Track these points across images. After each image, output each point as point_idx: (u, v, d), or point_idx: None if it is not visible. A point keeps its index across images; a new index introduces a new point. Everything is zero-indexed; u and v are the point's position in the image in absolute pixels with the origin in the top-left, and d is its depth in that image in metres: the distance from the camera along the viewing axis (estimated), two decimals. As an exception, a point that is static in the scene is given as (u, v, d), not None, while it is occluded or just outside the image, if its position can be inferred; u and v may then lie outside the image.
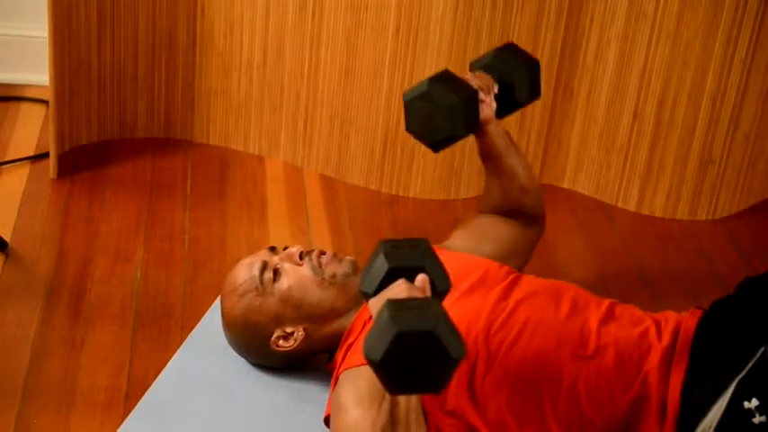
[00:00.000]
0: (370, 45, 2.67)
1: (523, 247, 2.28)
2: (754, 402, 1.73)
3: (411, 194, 2.79)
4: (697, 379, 1.79)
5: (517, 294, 1.94)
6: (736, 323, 1.86)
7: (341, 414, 1.76)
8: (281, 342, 2.04)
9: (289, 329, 2.03)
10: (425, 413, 1.80)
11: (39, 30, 2.86)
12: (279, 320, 2.03)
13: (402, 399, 1.66)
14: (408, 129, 2.13)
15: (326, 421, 1.90)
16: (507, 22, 2.63)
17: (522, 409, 1.82)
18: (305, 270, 2.04)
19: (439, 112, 2.07)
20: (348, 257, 2.08)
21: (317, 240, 2.57)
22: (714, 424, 1.75)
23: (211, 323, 2.21)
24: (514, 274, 2.02)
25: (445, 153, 2.48)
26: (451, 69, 2.63)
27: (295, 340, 2.03)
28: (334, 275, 2.04)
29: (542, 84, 2.68)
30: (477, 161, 2.29)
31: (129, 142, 2.90)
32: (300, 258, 2.06)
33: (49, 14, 2.58)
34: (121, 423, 2.01)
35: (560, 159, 2.83)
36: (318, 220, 2.66)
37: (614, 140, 2.75)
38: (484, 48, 2.64)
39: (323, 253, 2.07)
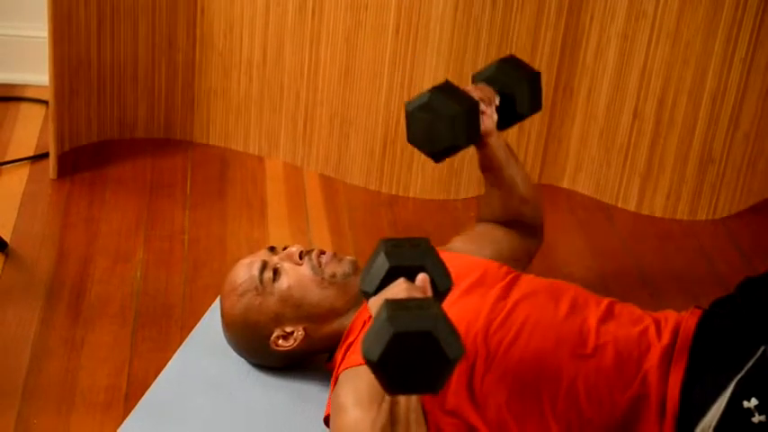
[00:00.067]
0: (369, 45, 2.67)
1: (522, 256, 2.29)
2: (754, 402, 1.73)
3: (411, 194, 2.79)
4: (696, 378, 1.79)
5: (516, 294, 1.94)
6: (736, 323, 1.86)
7: (340, 414, 1.76)
8: (280, 342, 2.04)
9: (288, 329, 2.03)
10: (425, 413, 1.80)
11: (38, 30, 2.86)
12: (278, 320, 2.03)
13: (402, 399, 1.66)
14: (410, 139, 2.15)
15: (326, 421, 1.90)
16: (507, 20, 2.63)
17: (522, 408, 1.82)
18: (305, 270, 2.04)
19: (440, 122, 2.08)
20: (348, 257, 2.08)
21: (317, 240, 2.57)
22: (713, 423, 1.75)
23: (211, 323, 2.21)
24: (514, 274, 2.02)
25: (445, 153, 2.48)
26: (451, 69, 2.65)
27: (295, 340, 2.03)
28: (333, 275, 2.04)
29: (542, 83, 2.69)
30: (477, 161, 2.29)
31: (128, 142, 2.90)
32: (300, 258, 2.06)
33: (49, 14, 2.58)
34: (121, 423, 2.01)
35: (560, 158, 2.83)
36: (318, 220, 2.66)
37: (614, 139, 2.75)
38: (484, 47, 2.64)
39: (323, 252, 2.07)
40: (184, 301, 2.34)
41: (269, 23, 2.75)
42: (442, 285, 1.70)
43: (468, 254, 2.15)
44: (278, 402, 2.07)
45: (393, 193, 2.79)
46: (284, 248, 2.09)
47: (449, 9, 2.60)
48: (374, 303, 1.67)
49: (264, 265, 2.04)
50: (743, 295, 1.91)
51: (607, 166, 2.79)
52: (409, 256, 1.70)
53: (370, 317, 1.69)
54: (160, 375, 2.12)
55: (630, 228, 2.74)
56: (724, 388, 1.76)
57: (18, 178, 2.72)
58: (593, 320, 1.89)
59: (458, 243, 2.26)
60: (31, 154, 2.81)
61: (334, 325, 2.03)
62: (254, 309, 2.03)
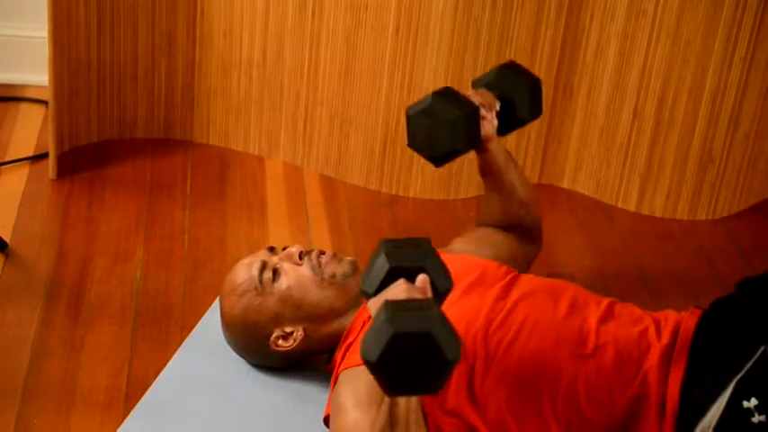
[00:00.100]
0: (369, 44, 2.67)
1: (520, 260, 2.29)
2: (754, 402, 1.73)
3: (411, 194, 2.79)
4: (696, 378, 1.79)
5: (516, 293, 1.94)
6: (736, 323, 1.86)
7: (340, 414, 1.76)
8: (280, 342, 2.04)
9: (288, 329, 2.03)
10: (425, 413, 1.80)
11: (38, 30, 2.86)
12: (278, 320, 2.03)
13: (401, 400, 1.66)
14: (410, 143, 2.16)
15: (326, 421, 1.90)
16: (507, 20, 2.63)
17: (522, 408, 1.82)
18: (304, 270, 2.04)
19: (440, 127, 2.09)
20: (347, 258, 2.08)
21: (317, 240, 2.57)
22: (713, 423, 1.75)
23: (211, 323, 2.21)
24: (513, 274, 2.02)
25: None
26: (451, 68, 2.65)
27: (294, 340, 2.03)
28: (333, 275, 2.04)
29: (542, 82, 2.69)
30: (477, 164, 2.30)
31: (128, 142, 2.90)
32: (300, 258, 2.06)
33: (49, 14, 2.58)
34: (121, 423, 2.01)
35: (560, 158, 2.83)
36: (318, 220, 2.66)
37: (614, 139, 2.75)
38: (484, 47, 2.64)
39: (322, 253, 2.07)
40: (184, 301, 2.34)
41: (269, 23, 2.75)
42: (441, 286, 1.70)
43: (468, 254, 2.15)
44: (277, 403, 2.07)
45: (393, 193, 2.79)
46: (284, 249, 2.09)
47: (449, 9, 2.59)
48: (374, 304, 1.67)
49: (264, 266, 2.04)
50: (742, 295, 1.91)
51: (607, 166, 2.79)
52: (410, 256, 1.70)
53: (370, 317, 1.69)
54: (160, 375, 2.12)
55: (630, 228, 2.73)
56: (724, 388, 1.76)
57: (18, 178, 2.72)
58: (592, 320, 1.89)
59: (458, 245, 2.27)
60: (31, 154, 2.81)
61: (334, 325, 2.03)
62: (253, 309, 2.03)
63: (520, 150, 2.77)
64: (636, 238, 2.70)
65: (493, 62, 2.66)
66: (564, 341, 1.85)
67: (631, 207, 2.79)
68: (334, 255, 2.08)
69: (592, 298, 1.96)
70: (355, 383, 1.76)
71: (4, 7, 3.08)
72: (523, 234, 2.31)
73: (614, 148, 2.76)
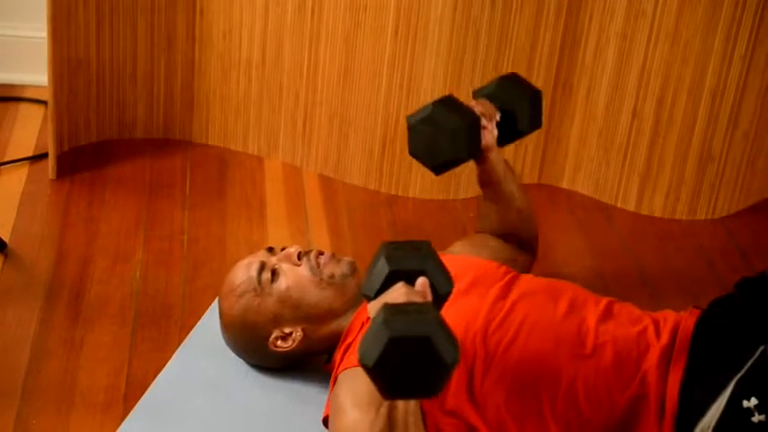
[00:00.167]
0: (369, 45, 2.67)
1: (518, 266, 2.29)
2: (753, 401, 1.73)
3: (410, 194, 2.79)
4: (696, 378, 1.79)
5: (515, 294, 1.94)
6: (735, 322, 1.86)
7: (339, 415, 1.76)
8: (279, 342, 2.04)
9: (287, 330, 2.03)
10: (425, 413, 1.80)
11: (37, 30, 2.86)
12: (277, 321, 2.03)
13: (400, 402, 1.66)
14: (411, 151, 2.17)
15: (325, 422, 1.90)
16: (506, 21, 2.63)
17: (521, 408, 1.82)
18: (303, 270, 2.04)
19: (442, 135, 2.11)
20: (346, 258, 2.08)
21: (316, 240, 2.57)
22: (713, 423, 1.75)
23: (210, 323, 2.21)
24: (512, 274, 2.02)
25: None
26: (450, 69, 2.65)
27: (293, 341, 2.03)
28: (332, 276, 2.04)
29: (542, 82, 2.70)
30: (476, 171, 2.31)
31: (128, 142, 2.90)
32: (299, 259, 2.06)
33: (48, 15, 2.58)
34: (121, 423, 2.01)
35: (559, 158, 2.83)
36: (317, 221, 2.66)
37: (613, 139, 2.75)
38: (483, 48, 2.64)
39: (321, 253, 2.07)
40: (184, 302, 2.34)
41: (268, 24, 2.75)
42: (442, 289, 1.70)
43: (467, 255, 2.16)
44: (277, 403, 2.07)
45: (392, 193, 2.79)
46: (282, 249, 2.09)
47: (448, 10, 2.59)
48: (373, 307, 1.67)
49: (263, 266, 2.04)
50: (741, 295, 1.91)
51: (606, 166, 2.79)
52: (410, 259, 1.70)
53: (368, 318, 1.69)
54: (159, 376, 2.12)
55: (630, 227, 2.73)
56: (723, 387, 1.76)
57: (17, 178, 2.72)
58: (591, 320, 1.89)
59: (457, 247, 2.28)
60: (31, 154, 2.81)
61: (333, 326, 2.03)
62: (252, 310, 2.03)
63: (519, 150, 2.77)
64: (635, 237, 2.70)
65: (492, 63, 2.66)
66: (563, 341, 1.85)
67: (631, 207, 2.79)
68: (333, 255, 2.08)
69: (591, 298, 1.96)
70: (354, 384, 1.76)
71: (4, 7, 3.08)
72: (520, 243, 2.33)
73: (613, 148, 2.76)
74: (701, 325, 1.87)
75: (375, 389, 1.59)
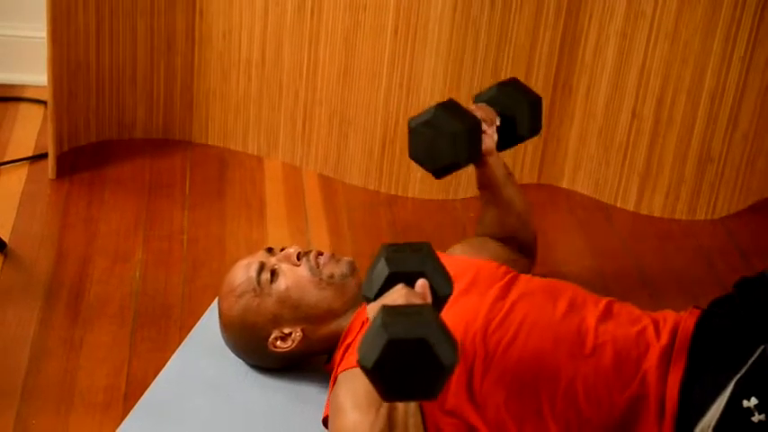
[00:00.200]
0: (368, 45, 2.67)
1: (517, 269, 2.30)
2: (753, 401, 1.73)
3: (410, 194, 2.79)
4: (696, 378, 1.79)
5: (515, 294, 1.94)
6: (735, 322, 1.86)
7: (339, 416, 1.76)
8: (278, 343, 2.04)
9: (286, 330, 2.03)
10: (424, 414, 1.80)
11: (37, 30, 2.86)
12: (276, 321, 2.02)
13: (400, 404, 1.66)
14: (411, 155, 2.19)
15: (325, 422, 1.90)
16: (506, 20, 2.63)
17: (521, 408, 1.82)
18: (302, 271, 2.04)
19: (442, 139, 2.13)
20: (346, 258, 2.08)
21: (316, 240, 2.57)
22: (713, 423, 1.75)
23: (210, 323, 2.21)
24: (512, 274, 2.02)
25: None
26: (450, 69, 2.65)
27: (293, 341, 2.03)
28: (331, 276, 2.04)
29: (541, 81, 2.70)
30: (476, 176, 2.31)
31: (127, 143, 2.90)
32: (298, 259, 2.06)
33: (48, 15, 2.58)
34: (120, 423, 2.01)
35: (559, 158, 2.83)
36: (317, 221, 2.66)
37: (613, 139, 2.75)
38: (483, 47, 2.64)
39: (320, 253, 2.07)
40: (183, 302, 2.34)
41: (268, 24, 2.75)
42: (441, 291, 1.71)
43: (467, 255, 2.16)
44: (276, 403, 2.07)
45: (392, 193, 2.79)
46: (282, 249, 2.09)
47: (447, 9, 2.59)
48: (372, 309, 1.67)
49: (262, 267, 2.04)
50: (741, 295, 1.91)
51: (606, 166, 2.79)
52: (410, 261, 1.71)
53: (368, 319, 1.69)
54: (159, 375, 2.12)
55: (630, 227, 2.73)
56: (723, 387, 1.76)
57: (17, 178, 2.72)
58: (591, 320, 1.89)
59: (456, 250, 2.29)
60: (30, 154, 2.81)
61: (332, 326, 2.03)
62: (251, 310, 2.03)
63: (519, 150, 2.77)
64: (635, 237, 2.70)
65: (492, 63, 2.67)
66: (562, 341, 1.85)
67: (630, 207, 2.79)
68: (333, 255, 2.08)
69: (590, 298, 1.96)
70: (354, 385, 1.76)
71: (4, 7, 3.08)
72: (519, 247, 2.33)
73: (613, 147, 2.76)
74: (700, 325, 1.87)
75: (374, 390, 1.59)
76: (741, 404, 1.73)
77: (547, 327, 1.87)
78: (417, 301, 1.64)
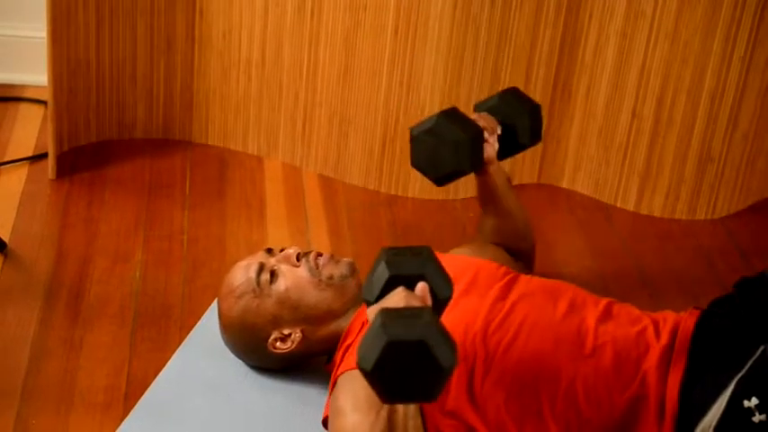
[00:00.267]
0: (368, 44, 2.67)
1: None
2: (754, 401, 1.73)
3: (410, 194, 2.79)
4: (696, 378, 1.79)
5: (515, 294, 1.94)
6: (735, 322, 1.86)
7: (339, 418, 1.76)
8: (278, 344, 2.03)
9: (286, 331, 2.03)
10: (424, 415, 1.80)
11: (37, 30, 2.86)
12: (276, 322, 2.02)
13: (400, 405, 1.66)
14: (413, 163, 2.20)
15: (324, 423, 1.90)
16: (506, 19, 2.63)
17: (521, 409, 1.82)
18: (302, 271, 2.04)
19: (444, 147, 2.14)
20: (345, 259, 2.08)
21: (316, 240, 2.57)
22: (714, 423, 1.75)
23: (210, 324, 2.21)
24: (512, 274, 2.02)
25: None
26: (450, 68, 2.65)
27: (292, 342, 2.03)
28: (331, 277, 2.04)
29: (541, 80, 2.70)
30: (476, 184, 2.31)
31: (127, 143, 2.90)
32: (297, 260, 2.06)
33: (48, 15, 2.58)
34: (120, 423, 2.01)
35: (559, 158, 2.83)
36: (317, 221, 2.66)
37: (613, 139, 2.75)
38: (483, 46, 2.64)
39: (320, 254, 2.07)
40: (183, 302, 2.34)
41: (268, 23, 2.75)
42: (441, 294, 1.71)
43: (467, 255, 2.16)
44: (276, 404, 2.07)
45: (392, 193, 2.79)
46: (281, 250, 2.09)
47: (447, 8, 2.59)
48: (372, 312, 1.67)
49: (261, 267, 2.04)
50: (741, 295, 1.91)
51: (606, 166, 2.79)
52: (410, 264, 1.71)
53: (367, 321, 1.69)
54: (159, 376, 2.12)
55: (630, 227, 2.73)
56: (724, 387, 1.76)
57: (17, 178, 2.72)
58: (591, 321, 1.89)
59: (456, 251, 2.28)
60: (30, 154, 2.81)
61: (332, 327, 2.03)
62: (251, 311, 2.03)
63: (519, 150, 2.77)
64: (635, 237, 2.70)
65: (492, 61, 2.66)
66: (563, 342, 1.85)
67: (630, 207, 2.79)
68: (332, 256, 2.08)
69: (590, 298, 1.96)
70: (354, 387, 1.76)
71: (4, 7, 3.08)
72: (518, 255, 2.34)
73: (613, 147, 2.76)
74: (700, 325, 1.87)
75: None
76: (742, 404, 1.73)
77: (547, 327, 1.87)
78: (417, 303, 1.64)
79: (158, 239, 2.54)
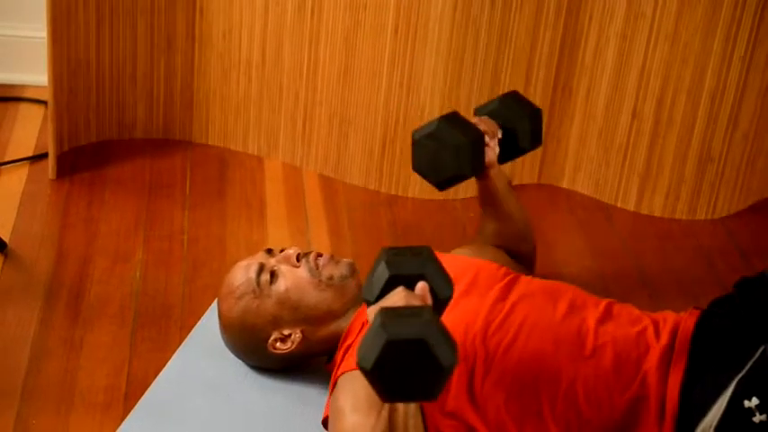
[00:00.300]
0: (368, 44, 2.67)
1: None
2: (755, 401, 1.73)
3: (410, 194, 2.79)
4: (696, 379, 1.79)
5: (515, 295, 1.94)
6: (735, 322, 1.86)
7: (339, 418, 1.76)
8: (278, 344, 2.03)
9: (286, 332, 2.03)
10: (425, 415, 1.80)
11: (37, 30, 2.86)
12: (276, 323, 2.02)
13: (400, 405, 1.66)
14: (415, 167, 2.20)
15: (325, 423, 1.90)
16: (506, 20, 2.63)
17: (521, 409, 1.82)
18: (302, 272, 2.04)
19: (446, 151, 2.14)
20: (345, 259, 2.08)
21: (316, 240, 2.57)
22: (714, 423, 1.75)
23: (210, 324, 2.21)
24: (512, 275, 2.02)
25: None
26: (450, 68, 2.65)
27: (292, 342, 2.03)
28: (331, 277, 2.04)
29: (541, 81, 2.70)
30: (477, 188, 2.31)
31: (127, 143, 2.90)
32: (297, 260, 2.06)
33: (48, 15, 2.58)
34: (121, 423, 2.01)
35: (559, 158, 2.83)
36: (317, 221, 2.66)
37: (613, 139, 2.75)
38: (483, 47, 2.64)
39: (320, 255, 2.07)
40: (183, 302, 2.34)
41: (268, 23, 2.75)
42: (441, 293, 1.71)
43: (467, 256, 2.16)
44: (276, 404, 2.07)
45: (392, 193, 2.79)
46: (281, 251, 2.09)
47: (448, 8, 2.59)
48: (372, 311, 1.67)
49: (261, 268, 2.04)
50: (741, 295, 1.91)
51: (606, 166, 2.79)
52: (410, 264, 1.71)
53: (367, 321, 1.69)
54: (159, 376, 2.12)
55: (630, 227, 2.73)
56: (725, 387, 1.76)
57: (17, 178, 2.72)
58: (591, 321, 1.89)
59: (457, 252, 2.28)
60: (30, 154, 2.81)
61: (332, 327, 2.03)
62: (251, 311, 2.03)
63: (519, 150, 2.77)
64: (635, 237, 2.70)
65: (492, 62, 2.67)
66: (563, 342, 1.85)
67: (630, 207, 2.79)
68: (332, 257, 2.08)
69: (590, 299, 1.96)
70: (354, 387, 1.76)
71: (4, 7, 3.08)
72: (518, 258, 2.34)
73: (613, 148, 2.76)
74: (700, 325, 1.87)
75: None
76: (742, 404, 1.73)
77: (547, 328, 1.87)
78: (417, 303, 1.64)
79: (158, 239, 2.54)
